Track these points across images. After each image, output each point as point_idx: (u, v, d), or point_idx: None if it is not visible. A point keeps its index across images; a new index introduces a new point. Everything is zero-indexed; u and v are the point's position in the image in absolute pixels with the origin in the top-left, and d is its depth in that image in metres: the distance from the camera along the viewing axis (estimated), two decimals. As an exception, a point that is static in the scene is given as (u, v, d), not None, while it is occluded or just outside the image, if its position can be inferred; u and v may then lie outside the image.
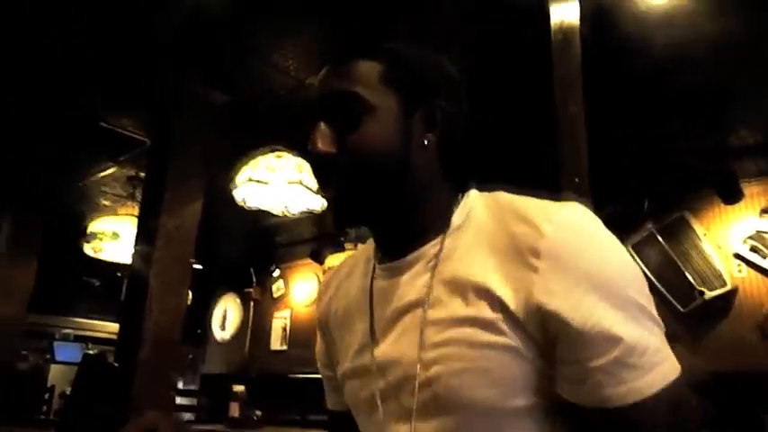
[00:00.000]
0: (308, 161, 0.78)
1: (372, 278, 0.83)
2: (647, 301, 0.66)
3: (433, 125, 0.77)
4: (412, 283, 0.76)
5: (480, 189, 0.80)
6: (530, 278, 0.65)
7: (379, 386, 0.76)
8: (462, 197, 0.79)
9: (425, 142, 0.76)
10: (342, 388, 0.87)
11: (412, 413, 0.71)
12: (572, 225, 0.67)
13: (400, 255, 0.78)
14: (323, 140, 0.75)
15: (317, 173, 0.78)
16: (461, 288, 0.70)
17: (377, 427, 0.78)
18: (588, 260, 0.65)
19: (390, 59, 0.77)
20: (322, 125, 0.76)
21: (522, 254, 0.67)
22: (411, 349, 0.72)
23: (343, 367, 0.85)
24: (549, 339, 0.66)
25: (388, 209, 0.77)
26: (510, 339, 0.66)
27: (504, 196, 0.76)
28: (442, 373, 0.69)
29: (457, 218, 0.76)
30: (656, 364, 0.63)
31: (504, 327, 0.66)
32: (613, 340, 0.62)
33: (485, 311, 0.67)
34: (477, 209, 0.76)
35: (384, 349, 0.76)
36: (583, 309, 0.63)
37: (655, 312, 0.66)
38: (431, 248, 0.76)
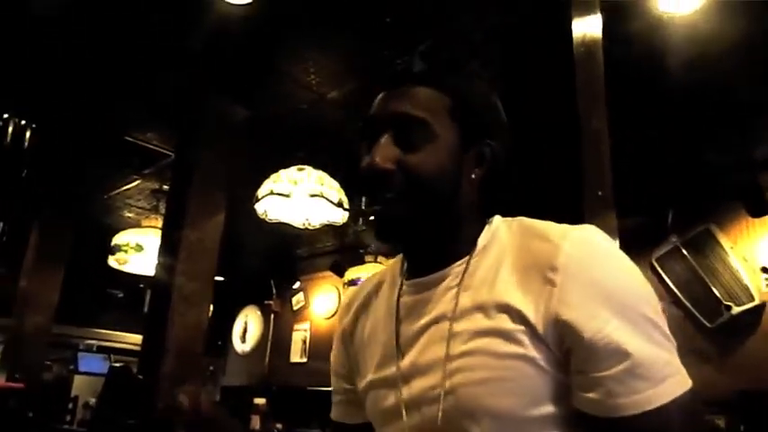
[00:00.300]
0: (360, 170, 0.81)
1: (399, 294, 0.86)
2: (659, 318, 0.70)
3: (482, 161, 0.82)
4: (438, 299, 0.80)
5: (504, 215, 0.86)
6: (548, 291, 0.70)
7: (404, 396, 0.79)
8: (487, 222, 0.84)
9: (473, 176, 0.82)
10: (362, 401, 0.90)
11: (437, 422, 0.74)
12: (587, 243, 0.73)
13: (428, 273, 0.82)
14: (383, 155, 0.79)
15: (370, 184, 0.81)
16: (484, 302, 0.75)
17: None
18: (603, 275, 0.70)
19: (460, 96, 0.82)
20: (385, 140, 0.80)
21: (542, 269, 0.72)
22: (437, 360, 0.76)
23: (367, 379, 0.88)
24: (565, 350, 0.69)
25: (428, 232, 0.81)
26: (529, 350, 0.70)
27: (526, 220, 0.81)
28: (465, 381, 0.72)
29: (482, 240, 0.81)
30: (665, 376, 0.66)
31: (524, 338, 0.70)
32: (623, 353, 0.65)
33: (506, 323, 0.71)
34: (500, 232, 0.82)
35: (410, 360, 0.80)
36: (596, 321, 0.67)
37: (666, 328, 0.70)
38: (457, 267, 0.80)
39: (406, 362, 0.80)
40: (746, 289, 3.97)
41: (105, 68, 3.14)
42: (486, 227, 0.83)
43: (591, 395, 0.67)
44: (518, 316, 0.71)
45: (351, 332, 0.96)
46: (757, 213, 3.88)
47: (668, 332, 0.69)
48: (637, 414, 0.64)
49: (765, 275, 3.98)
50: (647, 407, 0.64)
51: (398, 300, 0.86)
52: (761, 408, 3.59)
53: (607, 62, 1.81)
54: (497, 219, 0.84)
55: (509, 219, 0.84)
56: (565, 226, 0.76)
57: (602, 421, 0.67)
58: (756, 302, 3.93)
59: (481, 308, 0.74)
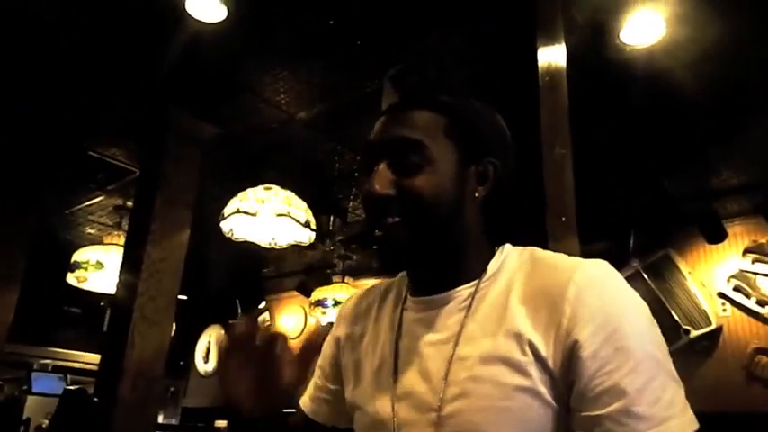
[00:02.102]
0: (362, 198, 0.81)
1: (403, 309, 0.86)
2: (665, 357, 0.68)
3: (485, 180, 0.82)
4: (444, 320, 0.79)
5: (514, 244, 0.85)
6: (558, 322, 0.69)
7: (398, 415, 0.78)
8: (498, 249, 0.83)
9: (476, 195, 0.81)
10: (343, 406, 0.89)
11: None
12: (599, 277, 0.72)
13: (434, 292, 0.81)
14: (381, 182, 0.78)
15: (371, 211, 0.81)
16: (493, 329, 0.74)
17: None
18: (611, 310, 0.68)
19: (455, 115, 0.81)
20: (382, 167, 0.79)
21: (552, 300, 0.71)
22: (436, 382, 0.74)
23: (358, 389, 0.87)
24: (569, 383, 0.68)
25: (432, 254, 0.80)
26: (535, 383, 0.68)
27: (537, 250, 0.81)
28: (465, 408, 0.71)
29: (493, 266, 0.81)
30: (667, 417, 0.63)
31: (532, 370, 0.69)
32: (620, 391, 0.64)
33: (515, 353, 0.70)
34: (511, 260, 0.81)
35: (408, 379, 0.78)
36: (599, 359, 0.66)
37: (672, 368, 0.68)
38: (466, 290, 0.80)
39: (403, 380, 0.79)
40: (704, 313, 4.08)
41: (71, 81, 3.08)
42: (498, 253, 0.82)
43: None
44: (529, 346, 0.69)
45: (349, 335, 0.94)
46: (714, 240, 4.01)
47: (674, 372, 0.67)
48: None
49: (722, 300, 4.10)
50: None
51: (401, 314, 0.85)
52: (718, 430, 3.67)
53: (571, 91, 1.87)
54: (508, 246, 0.84)
55: (520, 247, 0.83)
56: (577, 258, 0.76)
57: None
58: (713, 326, 4.04)
59: (489, 334, 0.73)
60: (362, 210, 0.82)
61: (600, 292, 0.70)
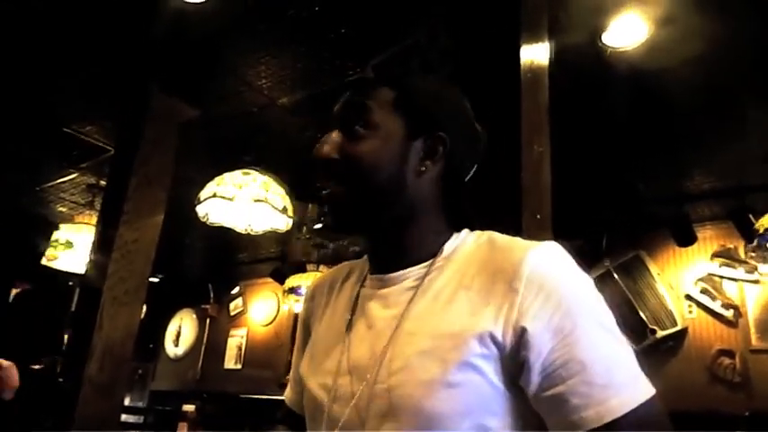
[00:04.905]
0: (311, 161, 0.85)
1: (361, 287, 0.88)
2: (615, 327, 0.71)
3: (434, 154, 0.83)
4: (396, 296, 0.80)
5: (473, 230, 0.87)
6: (511, 299, 0.70)
7: (341, 389, 0.79)
8: (455, 233, 0.85)
9: (423, 168, 0.82)
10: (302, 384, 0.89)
11: (367, 416, 0.73)
12: (550, 256, 0.74)
13: (391, 271, 0.83)
14: (328, 146, 0.83)
15: (317, 173, 0.84)
16: (442, 306, 0.75)
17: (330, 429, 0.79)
18: (564, 288, 0.71)
19: (403, 88, 0.84)
20: (334, 133, 0.84)
21: (506, 278, 0.72)
22: (381, 356, 0.75)
23: (310, 368, 0.88)
24: (521, 362, 0.69)
25: (379, 222, 0.83)
26: (480, 361, 0.69)
27: (494, 234, 0.84)
28: (406, 382, 0.71)
29: (449, 247, 0.83)
30: (625, 384, 0.66)
31: (478, 348, 0.69)
32: (579, 363, 0.66)
33: (463, 331, 0.71)
34: (467, 242, 0.83)
35: (357, 353, 0.79)
36: (555, 336, 0.68)
37: (623, 337, 0.71)
38: (420, 269, 0.81)
39: (351, 355, 0.80)
40: (671, 314, 4.17)
41: (48, 55, 3.01)
42: (454, 236, 0.84)
43: (554, 414, 0.67)
44: (478, 323, 0.70)
45: (310, 316, 0.97)
46: (684, 243, 4.09)
47: (625, 340, 0.70)
48: (602, 425, 0.64)
49: (688, 302, 4.19)
50: (610, 417, 0.64)
51: (359, 292, 0.87)
52: (680, 429, 3.76)
53: (551, 90, 1.88)
54: (466, 231, 0.86)
55: (478, 231, 0.85)
56: (531, 241, 0.78)
57: None
58: (679, 327, 4.13)
59: (438, 311, 0.74)
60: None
61: (552, 270, 0.73)
